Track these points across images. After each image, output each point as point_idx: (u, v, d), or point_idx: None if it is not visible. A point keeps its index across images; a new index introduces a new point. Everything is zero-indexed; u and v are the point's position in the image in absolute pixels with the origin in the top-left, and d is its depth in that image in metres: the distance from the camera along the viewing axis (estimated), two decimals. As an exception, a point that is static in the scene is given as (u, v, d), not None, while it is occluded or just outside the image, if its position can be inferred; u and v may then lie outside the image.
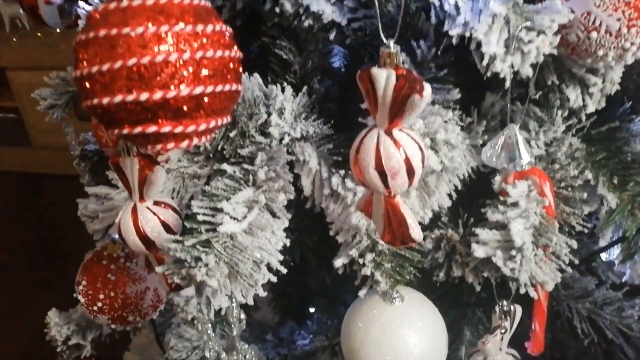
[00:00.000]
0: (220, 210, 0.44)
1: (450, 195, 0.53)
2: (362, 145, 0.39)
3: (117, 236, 0.56)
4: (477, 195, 0.55)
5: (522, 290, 0.49)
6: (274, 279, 0.44)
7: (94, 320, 0.64)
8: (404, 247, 0.46)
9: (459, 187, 0.53)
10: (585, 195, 0.49)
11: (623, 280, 0.71)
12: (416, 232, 0.41)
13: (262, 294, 0.43)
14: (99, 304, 0.61)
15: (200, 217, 0.43)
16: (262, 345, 0.83)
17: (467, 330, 0.67)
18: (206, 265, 0.40)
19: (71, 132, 0.80)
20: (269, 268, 0.45)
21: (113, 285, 0.62)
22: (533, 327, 0.56)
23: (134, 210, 0.46)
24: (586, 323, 0.62)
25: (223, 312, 0.45)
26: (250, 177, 0.50)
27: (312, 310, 0.79)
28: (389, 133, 0.38)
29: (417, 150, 0.38)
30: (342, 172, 0.53)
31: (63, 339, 0.74)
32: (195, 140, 0.35)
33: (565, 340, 0.78)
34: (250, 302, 0.43)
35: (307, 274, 0.95)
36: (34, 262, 1.95)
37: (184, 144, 0.34)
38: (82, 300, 0.62)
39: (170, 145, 0.34)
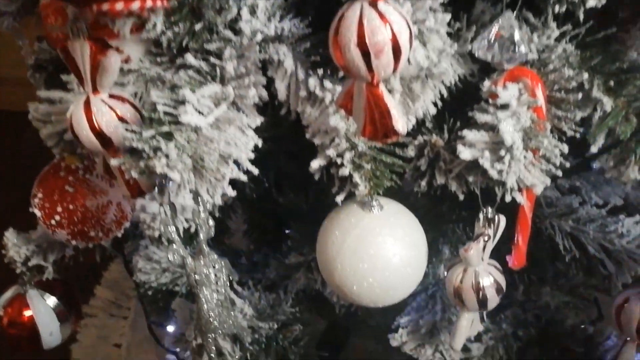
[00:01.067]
0: (183, 101, 0.40)
1: (435, 103, 0.50)
2: (343, 21, 0.34)
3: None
4: (463, 103, 0.52)
5: (508, 198, 0.47)
6: (243, 177, 0.40)
7: (53, 235, 0.60)
8: (386, 142, 0.43)
9: (445, 95, 0.50)
10: (579, 96, 0.46)
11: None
12: (400, 124, 0.37)
13: (231, 193, 0.40)
14: (57, 217, 0.57)
15: (160, 108, 0.39)
16: (235, 270, 0.81)
17: (446, 249, 0.66)
18: (167, 156, 0.36)
19: (26, 45, 0.74)
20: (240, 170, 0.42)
21: (71, 197, 0.57)
22: (515, 240, 0.55)
23: (87, 103, 0.42)
24: (568, 240, 0.61)
25: (189, 215, 0.42)
26: (218, 71, 0.45)
27: (287, 232, 0.77)
28: (373, 5, 0.34)
29: (405, 26, 0.34)
30: (320, 72, 0.48)
31: (22, 260, 0.70)
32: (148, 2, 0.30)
33: (543, 262, 0.78)
34: (218, 201, 0.40)
35: (281, 201, 0.92)
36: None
37: (135, 4, 0.30)
38: (39, 213, 0.58)
39: (119, 4, 0.29)
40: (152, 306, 0.80)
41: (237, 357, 0.57)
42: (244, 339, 0.60)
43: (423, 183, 0.50)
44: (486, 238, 0.47)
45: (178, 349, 0.76)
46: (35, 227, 0.68)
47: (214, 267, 0.46)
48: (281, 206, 0.85)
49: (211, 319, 0.44)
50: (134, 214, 0.64)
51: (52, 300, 0.76)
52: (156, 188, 0.39)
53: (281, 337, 0.81)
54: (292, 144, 0.74)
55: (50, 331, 0.74)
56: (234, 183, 0.79)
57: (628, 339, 0.60)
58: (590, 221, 0.61)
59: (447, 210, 0.68)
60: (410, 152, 0.50)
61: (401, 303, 0.72)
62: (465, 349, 0.66)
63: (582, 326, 0.68)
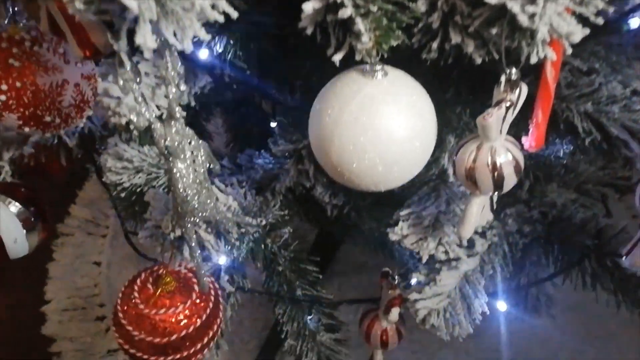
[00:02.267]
0: None
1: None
2: None
3: None
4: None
5: (534, 58, 0.40)
6: (220, 18, 0.32)
7: (1, 121, 0.52)
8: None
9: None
10: None
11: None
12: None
13: (205, 36, 0.32)
14: (2, 97, 0.49)
15: None
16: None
17: (451, 137, 0.60)
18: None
19: None
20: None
21: (18, 73, 0.49)
22: (534, 117, 0.49)
23: None
24: (588, 122, 0.55)
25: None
26: None
27: (273, 125, 0.70)
28: None
29: None
30: None
31: (-26, 157, 0.63)
32: None
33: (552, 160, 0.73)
34: (188, 47, 0.32)
35: (266, 94, 0.84)
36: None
37: None
38: (-20, 94, 0.50)
39: None
40: (127, 211, 0.73)
41: (220, 250, 0.52)
42: (229, 232, 0.54)
43: (434, 45, 0.43)
44: (508, 104, 0.41)
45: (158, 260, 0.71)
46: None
47: (189, 143, 0.39)
48: (265, 98, 0.78)
49: (188, 198, 0.37)
50: (95, 99, 0.56)
51: (14, 206, 0.69)
52: (109, 36, 0.32)
53: (270, 241, 0.76)
54: (276, 27, 0.66)
55: (15, 238, 0.68)
56: (211, 71, 0.71)
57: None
58: (613, 102, 0.55)
59: (452, 97, 0.62)
60: (421, 6, 0.42)
61: (399, 199, 0.68)
62: (469, 244, 0.62)
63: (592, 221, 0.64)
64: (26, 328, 1.14)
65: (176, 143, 0.36)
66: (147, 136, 0.62)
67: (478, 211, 0.48)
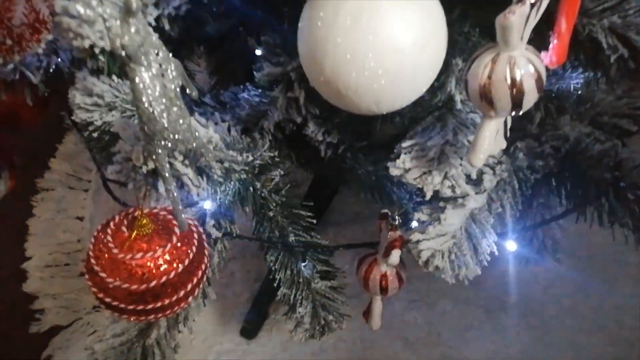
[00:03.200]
0: None
1: None
2: None
3: None
4: None
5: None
6: None
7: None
8: None
9: None
10: None
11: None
12: None
13: None
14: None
15: None
16: (199, 110, 0.68)
17: (459, 59, 0.54)
18: None
19: None
20: None
21: (-45, -18, 0.42)
22: (557, 27, 0.42)
23: None
24: (613, 37, 0.49)
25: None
26: None
27: (258, 53, 0.63)
28: None
29: None
30: None
31: None
32: None
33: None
34: None
35: (251, 25, 0.77)
36: None
37: None
38: None
39: None
40: (101, 153, 0.67)
41: (201, 188, 0.47)
42: (209, 165, 0.48)
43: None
44: (533, 0, 0.34)
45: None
46: None
47: (157, 54, 0.33)
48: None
49: (155, 114, 0.31)
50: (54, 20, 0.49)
51: (-25, 150, 0.63)
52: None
53: (259, 185, 0.71)
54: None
55: (-23, 184, 0.62)
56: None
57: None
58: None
59: (459, 16, 0.55)
60: None
61: (398, 138, 0.62)
62: (477, 180, 0.57)
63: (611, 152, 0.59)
64: (7, 286, 1.09)
65: (136, 44, 0.29)
66: (115, 64, 0.55)
67: (492, 136, 0.43)
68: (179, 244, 0.52)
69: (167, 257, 0.51)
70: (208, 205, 0.67)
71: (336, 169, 0.81)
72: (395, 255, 0.59)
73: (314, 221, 0.71)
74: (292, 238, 0.69)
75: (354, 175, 0.80)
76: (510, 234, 0.60)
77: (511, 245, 0.61)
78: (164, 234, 0.52)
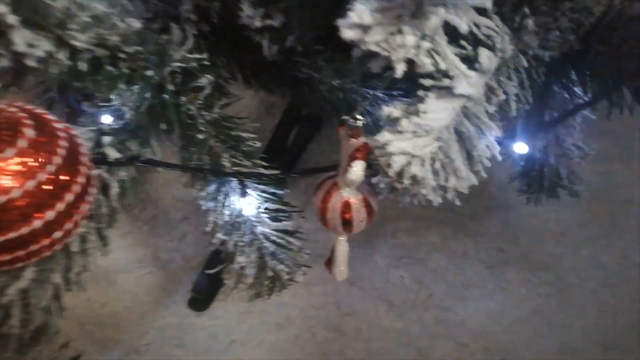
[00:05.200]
0: None
1: None
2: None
3: None
4: None
5: None
6: None
7: None
8: None
9: None
10: None
11: None
12: None
13: None
14: None
15: None
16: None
17: None
18: None
19: None
20: None
21: None
22: None
23: None
24: None
25: None
26: None
27: None
28: None
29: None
30: None
31: None
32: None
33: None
34: None
35: None
36: None
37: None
38: None
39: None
40: None
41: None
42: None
43: None
44: None
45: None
46: None
47: None
48: None
49: None
50: None
51: None
52: None
53: (185, 101, 0.55)
54: None
55: None
56: None
57: None
58: None
59: None
60: None
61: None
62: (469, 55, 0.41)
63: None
64: None
65: None
66: None
67: None
68: (31, 151, 0.36)
69: (11, 167, 0.35)
70: (107, 119, 0.51)
71: (290, 83, 0.65)
72: (357, 169, 0.44)
73: (258, 144, 0.56)
74: (228, 165, 0.54)
75: (314, 91, 0.64)
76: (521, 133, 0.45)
77: (521, 148, 0.45)
78: (8, 135, 0.36)
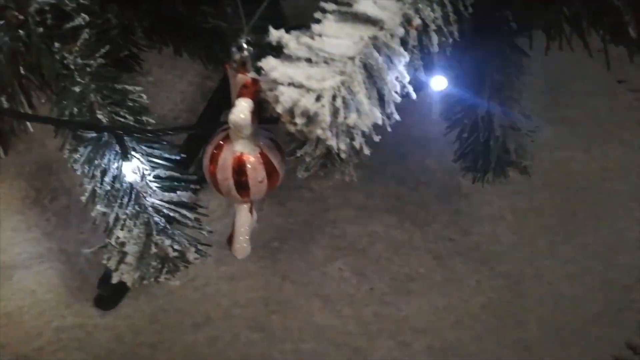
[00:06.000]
0: None
1: None
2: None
3: None
4: None
5: None
6: None
7: None
8: None
9: None
10: None
11: None
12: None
13: None
14: None
15: None
16: None
17: None
18: None
19: None
20: None
21: None
22: None
23: None
24: None
25: None
26: None
27: None
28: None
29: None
30: None
31: None
32: None
33: None
34: None
35: None
36: None
37: None
38: None
39: None
40: None
41: None
42: None
43: None
44: None
45: None
46: None
47: None
48: None
49: None
50: None
51: None
52: None
53: (58, 47, 0.47)
54: None
55: None
56: None
57: None
58: None
59: None
60: None
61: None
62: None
63: None
64: None
65: None
66: None
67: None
68: None
69: None
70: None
71: (193, 38, 0.57)
72: (240, 108, 0.36)
73: (145, 99, 0.48)
74: (105, 120, 0.46)
75: (195, 35, 0.57)
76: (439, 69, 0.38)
77: (439, 82, 0.38)
78: None
